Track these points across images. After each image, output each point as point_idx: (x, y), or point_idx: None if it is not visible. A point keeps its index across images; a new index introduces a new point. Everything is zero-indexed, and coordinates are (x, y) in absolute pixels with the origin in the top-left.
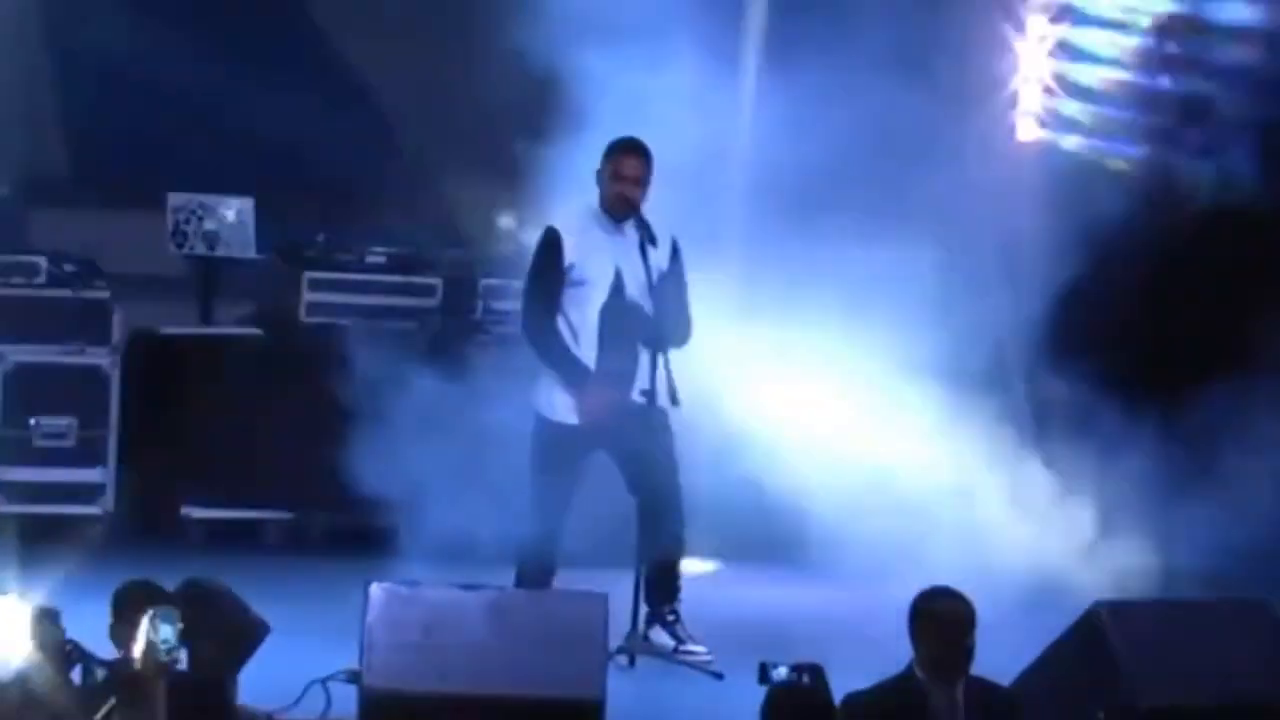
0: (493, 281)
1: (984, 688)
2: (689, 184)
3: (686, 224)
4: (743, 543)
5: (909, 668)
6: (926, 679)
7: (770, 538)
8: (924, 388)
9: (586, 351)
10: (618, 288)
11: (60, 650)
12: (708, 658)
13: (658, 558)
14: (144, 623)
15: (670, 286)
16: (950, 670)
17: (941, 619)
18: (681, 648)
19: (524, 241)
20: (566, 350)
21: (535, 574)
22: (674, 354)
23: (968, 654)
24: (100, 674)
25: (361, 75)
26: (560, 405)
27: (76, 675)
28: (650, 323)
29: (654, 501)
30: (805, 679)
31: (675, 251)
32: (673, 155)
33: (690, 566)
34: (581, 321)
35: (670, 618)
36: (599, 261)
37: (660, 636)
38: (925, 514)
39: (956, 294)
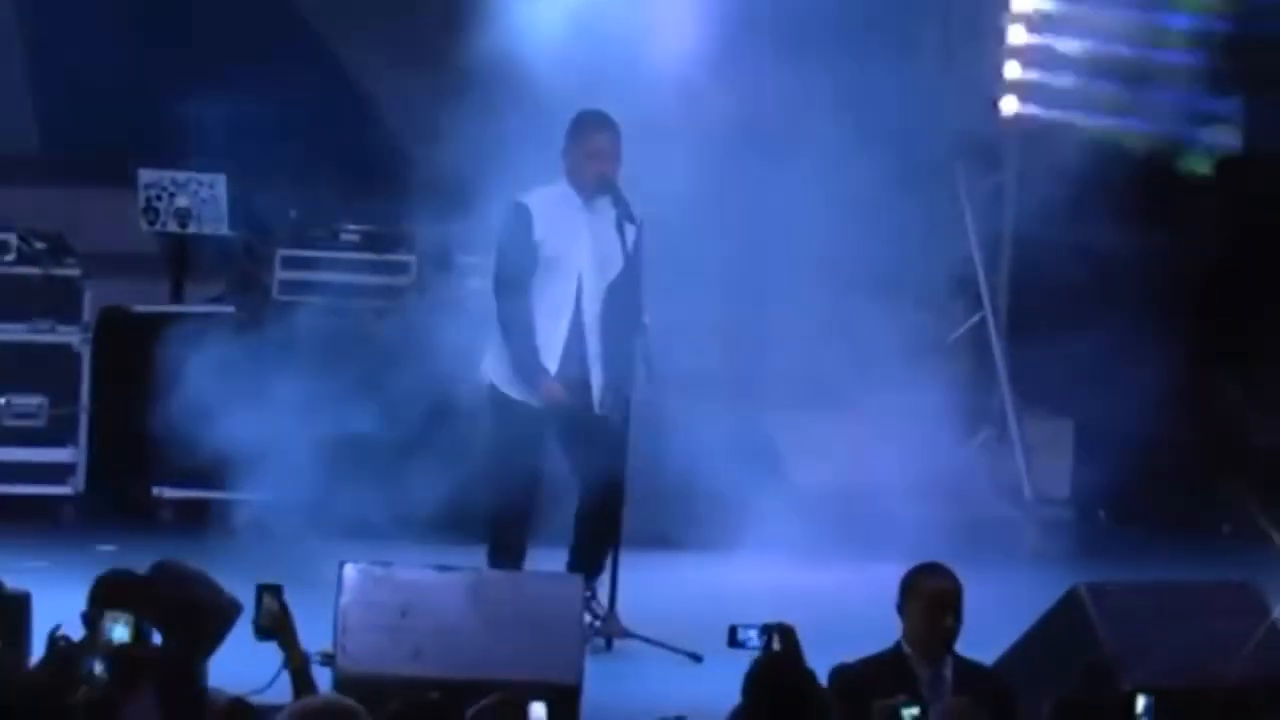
0: (471, 259)
1: (973, 668)
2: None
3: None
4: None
5: (897, 644)
6: (914, 654)
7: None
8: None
9: (555, 332)
10: (589, 265)
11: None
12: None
13: (590, 538)
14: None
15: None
16: (933, 646)
17: (927, 595)
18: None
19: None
20: (531, 346)
21: (507, 546)
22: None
23: (951, 631)
24: (96, 665)
25: (335, 44)
26: (521, 383)
27: None
28: (626, 302)
29: (599, 483)
30: (776, 640)
31: (638, 231)
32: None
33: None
34: (552, 300)
35: (586, 594)
36: (570, 239)
37: None
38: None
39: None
